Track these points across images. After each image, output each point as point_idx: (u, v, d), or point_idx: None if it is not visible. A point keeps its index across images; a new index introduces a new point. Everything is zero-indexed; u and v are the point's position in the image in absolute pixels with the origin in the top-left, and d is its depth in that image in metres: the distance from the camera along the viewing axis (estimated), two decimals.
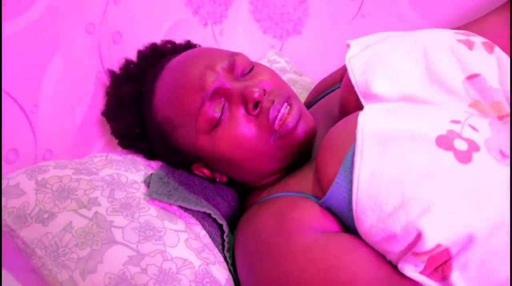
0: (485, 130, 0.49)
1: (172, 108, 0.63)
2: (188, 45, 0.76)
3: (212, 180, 0.68)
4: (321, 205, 0.55)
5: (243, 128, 0.60)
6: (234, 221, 0.67)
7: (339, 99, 0.68)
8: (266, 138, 0.60)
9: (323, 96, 0.80)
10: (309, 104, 0.83)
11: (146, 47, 0.75)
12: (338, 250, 0.50)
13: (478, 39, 0.58)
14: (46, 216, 0.54)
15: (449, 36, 0.59)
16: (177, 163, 0.67)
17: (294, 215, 0.54)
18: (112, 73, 0.73)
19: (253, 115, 0.60)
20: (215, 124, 0.61)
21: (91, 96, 0.73)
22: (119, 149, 0.78)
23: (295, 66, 1.06)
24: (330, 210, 0.55)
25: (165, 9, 0.86)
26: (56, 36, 0.65)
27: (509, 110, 0.50)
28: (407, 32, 0.65)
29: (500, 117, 0.50)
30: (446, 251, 0.45)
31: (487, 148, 0.47)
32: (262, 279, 0.52)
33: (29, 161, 0.64)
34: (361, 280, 0.47)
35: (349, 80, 0.62)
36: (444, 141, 0.47)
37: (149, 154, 0.70)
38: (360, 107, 0.60)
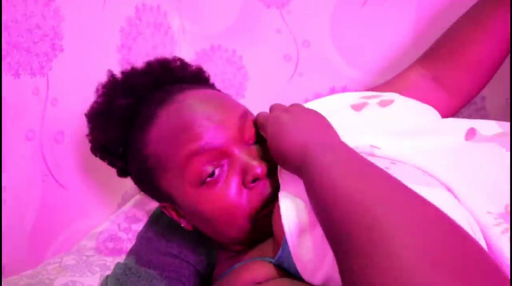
0: None
1: (167, 147, 0.59)
2: (199, 73, 0.74)
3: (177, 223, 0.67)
4: (274, 263, 0.56)
5: (234, 197, 0.58)
6: None
7: None
8: (252, 212, 0.59)
9: None
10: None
11: (155, 62, 0.71)
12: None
13: (374, 101, 0.66)
14: None
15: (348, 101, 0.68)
16: (147, 191, 0.66)
17: (245, 276, 0.56)
18: (112, 76, 0.68)
19: (247, 188, 0.59)
20: (207, 181, 0.58)
21: (38, 201, 0.72)
22: (75, 247, 0.77)
23: None
24: (284, 268, 0.55)
25: None
26: None
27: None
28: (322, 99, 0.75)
29: None
30: None
31: None
32: None
33: None
34: None
35: None
36: None
37: (122, 173, 0.69)
38: None
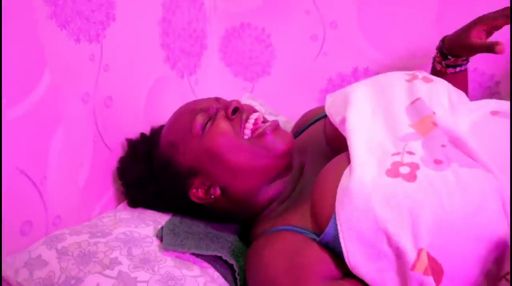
0: (419, 151, 0.62)
1: (172, 133, 0.78)
2: None
3: (209, 203, 0.75)
4: (319, 242, 0.63)
5: (221, 124, 0.74)
6: (238, 257, 0.73)
7: (326, 136, 0.80)
8: (240, 135, 0.74)
9: (310, 125, 0.89)
10: (295, 133, 0.92)
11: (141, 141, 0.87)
12: None
13: (420, 75, 0.74)
14: (73, 282, 0.58)
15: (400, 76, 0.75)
16: (177, 196, 0.76)
17: (301, 261, 0.62)
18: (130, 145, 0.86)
19: (230, 118, 0.75)
20: (204, 127, 0.74)
21: (90, 160, 0.78)
22: (120, 205, 0.83)
23: (269, 106, 1.14)
24: (328, 246, 0.62)
25: (148, 68, 0.92)
26: (57, 110, 0.69)
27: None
28: (368, 79, 0.80)
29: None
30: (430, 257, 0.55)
31: (424, 163, 0.60)
32: None
33: (41, 230, 0.67)
34: None
35: (331, 124, 0.76)
36: (392, 173, 0.60)
37: (156, 197, 0.77)
38: (342, 140, 0.70)
